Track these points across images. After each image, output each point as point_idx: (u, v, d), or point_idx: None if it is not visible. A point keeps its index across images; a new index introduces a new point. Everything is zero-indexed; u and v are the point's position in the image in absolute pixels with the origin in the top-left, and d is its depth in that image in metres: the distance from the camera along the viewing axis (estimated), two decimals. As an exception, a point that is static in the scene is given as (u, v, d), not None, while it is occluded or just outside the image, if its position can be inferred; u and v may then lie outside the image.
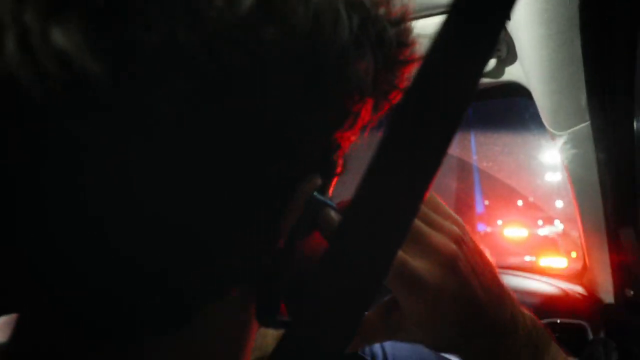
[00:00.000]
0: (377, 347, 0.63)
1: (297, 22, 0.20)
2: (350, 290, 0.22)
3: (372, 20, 0.24)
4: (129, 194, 0.19)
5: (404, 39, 0.27)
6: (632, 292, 0.99)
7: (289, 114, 0.21)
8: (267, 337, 0.49)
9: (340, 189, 0.32)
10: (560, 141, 0.91)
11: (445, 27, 0.22)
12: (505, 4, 0.22)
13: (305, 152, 0.24)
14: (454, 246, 0.33)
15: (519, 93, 1.01)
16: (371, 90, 0.26)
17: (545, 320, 1.08)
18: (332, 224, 0.28)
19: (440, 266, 0.32)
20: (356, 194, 0.22)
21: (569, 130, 0.87)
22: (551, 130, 0.91)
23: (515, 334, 0.35)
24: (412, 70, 0.28)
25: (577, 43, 0.69)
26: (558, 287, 1.16)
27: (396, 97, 0.29)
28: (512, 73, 0.94)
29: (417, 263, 0.32)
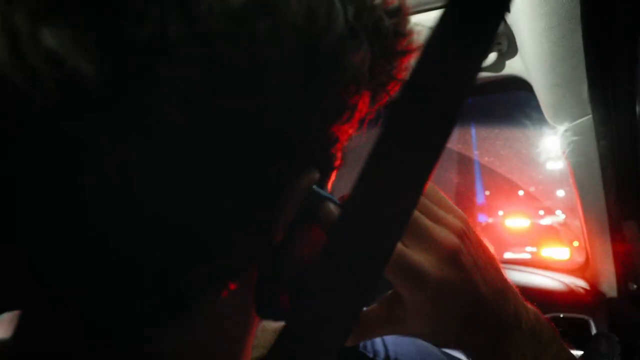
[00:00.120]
0: (379, 344, 0.63)
1: (290, 14, 0.20)
2: (348, 283, 0.22)
3: (367, 11, 0.24)
4: (127, 193, 0.19)
5: (401, 29, 0.27)
6: (635, 286, 0.99)
7: (285, 106, 0.21)
8: (268, 333, 0.50)
9: (342, 184, 0.32)
10: (561, 134, 0.91)
11: (443, 21, 0.21)
12: None
13: (303, 145, 0.24)
14: (456, 239, 0.33)
15: (520, 87, 1.00)
16: (368, 80, 0.25)
17: (548, 315, 1.08)
18: (332, 217, 0.27)
19: (442, 259, 0.32)
20: (355, 187, 0.22)
21: (571, 124, 0.86)
22: (553, 123, 0.91)
23: (519, 328, 0.35)
24: (410, 60, 0.28)
25: (578, 35, 0.68)
26: (561, 281, 1.16)
27: (394, 89, 0.28)
28: (512, 67, 0.94)
29: (419, 256, 0.32)
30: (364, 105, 0.27)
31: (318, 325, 0.22)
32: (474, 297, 0.33)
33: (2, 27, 0.16)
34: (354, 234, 0.22)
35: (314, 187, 0.27)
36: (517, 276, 1.21)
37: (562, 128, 0.89)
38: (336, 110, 0.25)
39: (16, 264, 0.21)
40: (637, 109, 0.79)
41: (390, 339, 0.64)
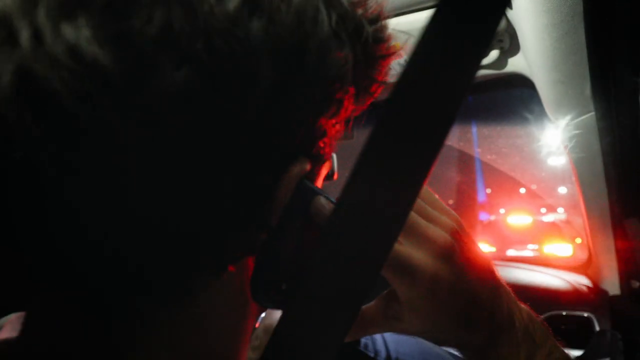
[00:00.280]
0: (380, 343, 0.63)
1: (280, 18, 0.23)
2: (349, 282, 0.22)
3: (349, 17, 0.27)
4: (129, 178, 0.20)
5: (380, 35, 0.29)
6: (638, 283, 0.99)
7: (278, 97, 0.23)
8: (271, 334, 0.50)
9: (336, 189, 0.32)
10: (564, 132, 0.91)
11: (440, 16, 0.22)
12: None
13: (294, 134, 0.25)
14: (449, 237, 0.34)
15: (522, 84, 0.99)
16: (351, 79, 0.27)
17: (551, 312, 1.08)
18: (324, 211, 0.28)
19: (435, 256, 0.33)
20: (355, 182, 0.22)
21: (573, 121, 0.86)
22: (555, 120, 0.90)
23: (512, 327, 0.36)
24: (389, 64, 0.31)
25: (581, 32, 0.68)
26: (563, 279, 1.16)
27: (377, 90, 0.31)
28: (515, 64, 0.93)
29: (414, 252, 0.32)
30: (349, 103, 0.28)
31: (317, 324, 0.22)
32: (468, 295, 0.34)
33: (28, 23, 0.18)
34: (354, 231, 0.22)
35: (306, 181, 0.28)
36: (520, 274, 1.21)
37: (564, 125, 0.89)
38: (323, 103, 0.26)
39: (16, 262, 0.22)
40: (640, 106, 0.79)
41: (391, 338, 0.64)
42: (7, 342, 0.28)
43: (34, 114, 0.19)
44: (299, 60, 0.24)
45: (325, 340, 0.22)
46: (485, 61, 0.93)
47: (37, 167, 0.19)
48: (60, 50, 0.18)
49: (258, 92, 0.22)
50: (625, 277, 1.02)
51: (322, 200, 0.28)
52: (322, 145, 0.29)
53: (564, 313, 1.07)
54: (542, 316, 1.08)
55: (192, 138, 0.21)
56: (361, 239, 0.22)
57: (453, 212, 0.37)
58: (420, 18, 0.84)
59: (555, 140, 0.97)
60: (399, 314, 0.35)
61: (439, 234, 0.33)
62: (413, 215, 0.34)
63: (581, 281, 1.16)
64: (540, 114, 0.96)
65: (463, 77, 0.22)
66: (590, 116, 0.83)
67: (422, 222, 0.34)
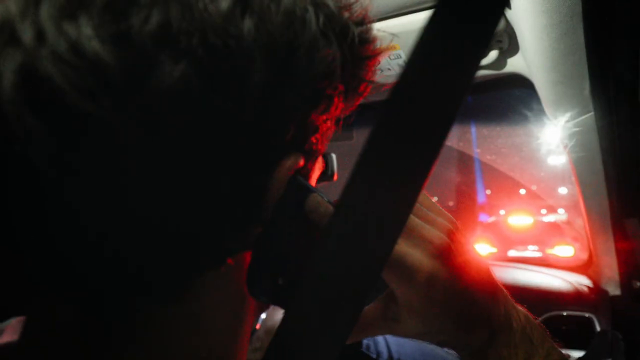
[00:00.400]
0: (382, 345, 0.63)
1: (270, 17, 0.24)
2: (350, 284, 0.22)
3: (336, 18, 0.28)
4: (128, 173, 0.21)
5: (366, 36, 0.30)
6: (639, 284, 0.98)
7: (268, 92, 0.24)
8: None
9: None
10: (563, 132, 0.91)
11: (438, 17, 0.22)
12: None
13: (286, 127, 0.26)
14: (445, 238, 0.34)
15: (521, 84, 0.99)
16: (340, 76, 0.28)
17: (551, 313, 1.08)
18: (319, 209, 0.29)
19: (432, 257, 0.33)
20: (355, 183, 0.22)
21: (573, 121, 0.86)
22: (554, 120, 0.90)
23: (510, 328, 0.36)
24: (376, 64, 0.32)
25: (580, 32, 0.68)
26: (564, 279, 1.16)
27: (365, 90, 0.33)
28: (514, 64, 0.93)
29: (411, 252, 0.33)
30: (338, 100, 0.29)
31: (319, 326, 0.22)
32: (465, 295, 0.34)
33: (30, 23, 0.19)
34: (355, 232, 0.22)
35: (299, 177, 0.28)
36: (520, 274, 1.21)
37: (563, 125, 0.89)
38: (313, 99, 0.27)
39: (16, 264, 0.22)
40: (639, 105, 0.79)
41: (393, 339, 0.64)
42: (8, 345, 0.28)
43: (36, 112, 0.19)
44: (289, 57, 0.25)
45: (327, 341, 0.22)
46: (485, 61, 0.93)
47: (37, 167, 0.19)
48: (62, 47, 0.19)
49: (251, 88, 0.23)
50: (625, 277, 1.02)
51: (317, 197, 0.29)
52: (313, 141, 0.29)
53: (565, 313, 1.07)
54: (543, 316, 1.08)
55: (191, 137, 0.21)
56: (362, 239, 0.22)
57: (449, 214, 0.37)
58: (417, 19, 0.84)
59: (555, 140, 0.97)
60: (398, 316, 0.36)
61: (436, 235, 0.34)
62: (410, 216, 0.34)
63: (582, 281, 1.16)
64: (540, 114, 0.96)
65: (463, 78, 0.23)
66: (589, 116, 0.83)
67: (419, 222, 0.34)
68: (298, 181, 0.28)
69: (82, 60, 0.19)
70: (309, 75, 0.26)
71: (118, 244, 0.22)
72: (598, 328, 1.03)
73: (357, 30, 0.29)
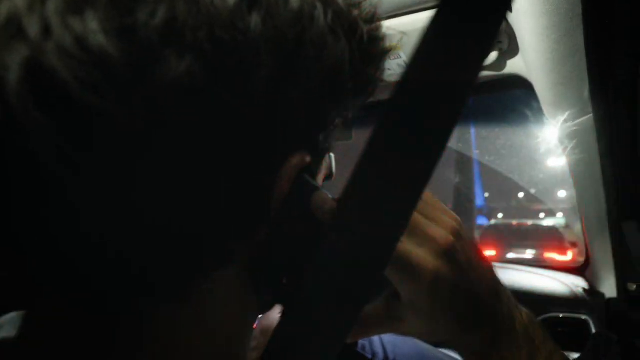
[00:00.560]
0: (378, 345, 0.63)
1: (278, 13, 0.23)
2: (351, 282, 0.22)
3: (345, 15, 0.27)
4: (137, 174, 0.21)
5: (375, 34, 0.30)
6: (634, 286, 0.99)
7: (276, 87, 0.24)
8: (270, 335, 0.50)
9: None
10: (562, 134, 0.91)
11: (441, 18, 0.22)
12: None
13: (293, 124, 0.26)
14: (451, 237, 0.33)
15: (520, 86, 1.00)
16: (348, 72, 0.28)
17: (547, 315, 1.08)
18: (324, 207, 0.28)
19: (437, 255, 0.33)
20: (359, 180, 0.22)
21: (572, 123, 0.86)
22: (553, 123, 0.90)
23: (513, 328, 0.36)
24: (385, 63, 0.32)
25: (579, 33, 0.68)
26: (560, 281, 1.16)
27: (374, 89, 0.32)
28: (513, 66, 0.93)
29: (415, 250, 0.32)
30: (346, 98, 0.29)
31: (318, 325, 0.22)
32: (470, 294, 0.34)
33: (37, 18, 0.19)
34: (358, 230, 0.22)
35: (305, 175, 0.28)
36: (516, 276, 1.21)
37: (563, 127, 0.89)
38: (321, 95, 0.27)
39: (20, 265, 0.22)
40: (639, 108, 0.79)
41: (389, 339, 0.64)
42: (6, 341, 0.28)
43: (41, 106, 0.19)
44: (296, 52, 0.24)
45: (326, 341, 0.22)
46: (485, 62, 0.93)
47: (41, 162, 0.19)
48: (68, 41, 0.19)
49: (258, 83, 0.23)
50: (621, 279, 1.02)
51: (323, 195, 0.28)
52: (321, 138, 0.29)
53: (561, 315, 1.07)
54: (539, 318, 1.08)
55: (195, 132, 0.21)
56: (365, 237, 0.22)
57: (453, 213, 0.37)
58: (418, 20, 0.84)
59: (554, 142, 0.97)
60: (401, 315, 0.35)
61: (440, 233, 0.33)
62: (414, 214, 0.34)
63: (578, 283, 1.17)
64: (539, 115, 0.96)
65: (466, 76, 0.23)
66: (588, 118, 0.83)
67: (424, 220, 0.34)
68: (304, 179, 0.28)
69: (87, 54, 0.19)
70: (317, 71, 0.26)
71: (121, 243, 0.21)
72: (594, 330, 1.03)
73: (366, 28, 0.29)
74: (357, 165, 0.22)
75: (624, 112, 0.79)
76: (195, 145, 0.21)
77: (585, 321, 1.05)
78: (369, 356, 0.62)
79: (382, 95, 0.28)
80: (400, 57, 0.91)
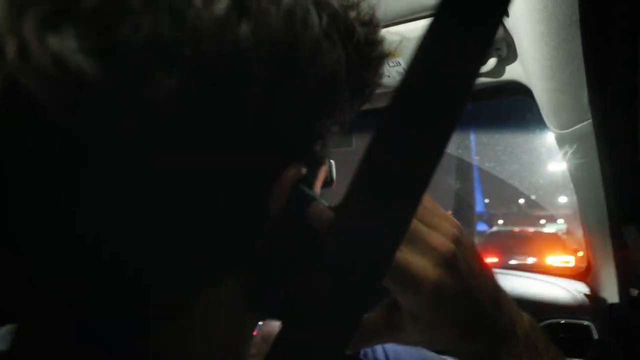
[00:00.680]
0: (380, 352, 0.62)
1: (269, 21, 0.22)
2: (349, 293, 0.22)
3: (340, 18, 0.26)
4: (124, 192, 0.20)
5: (372, 37, 0.29)
6: (637, 291, 0.98)
7: (270, 98, 0.23)
8: (269, 343, 0.49)
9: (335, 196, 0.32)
10: (562, 140, 0.91)
11: (438, 23, 0.22)
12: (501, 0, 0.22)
13: (287, 137, 0.25)
14: (451, 245, 0.33)
15: (519, 92, 1.00)
16: (344, 80, 0.27)
17: (549, 321, 1.07)
18: (321, 217, 0.28)
19: (438, 264, 0.32)
20: (354, 188, 0.22)
21: (571, 129, 0.86)
22: (553, 128, 0.91)
23: (514, 335, 0.35)
24: (383, 66, 0.31)
25: (578, 40, 0.68)
26: (562, 287, 1.16)
27: (371, 94, 0.31)
28: (512, 72, 0.94)
29: (415, 260, 0.32)
30: (343, 104, 0.29)
31: (318, 335, 0.22)
32: (471, 302, 0.33)
33: (14, 35, 0.18)
34: (355, 239, 0.22)
35: (301, 186, 0.27)
36: (518, 282, 1.20)
37: (562, 133, 0.89)
38: (316, 105, 0.26)
39: (15, 266, 0.22)
40: (638, 113, 0.80)
41: (390, 346, 0.64)
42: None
43: (21, 127, 0.19)
44: (290, 61, 0.24)
45: (326, 352, 0.22)
46: (483, 69, 0.93)
47: (29, 176, 0.19)
48: (45, 60, 0.18)
49: (251, 95, 0.22)
50: (623, 284, 1.02)
51: (319, 205, 0.28)
52: (317, 148, 0.29)
53: (563, 321, 1.07)
54: (541, 324, 1.08)
55: (186, 150, 0.21)
56: (362, 246, 0.22)
57: (453, 218, 0.36)
58: (416, 27, 0.84)
59: (553, 147, 0.97)
60: (401, 324, 0.35)
61: (441, 241, 0.33)
62: (414, 222, 0.34)
63: (580, 289, 1.16)
64: (539, 121, 0.96)
65: (464, 80, 0.22)
66: (587, 124, 0.84)
67: (423, 228, 0.33)
68: (300, 190, 0.27)
69: (65, 75, 0.18)
70: (312, 79, 0.25)
71: (115, 256, 0.21)
72: (596, 336, 1.02)
73: (363, 31, 0.28)
74: (354, 174, 0.22)
75: (623, 117, 0.80)
76: (185, 162, 0.21)
77: (587, 327, 1.04)
78: (372, 363, 0.62)
79: (384, 102, 0.28)
80: (400, 65, 0.91)
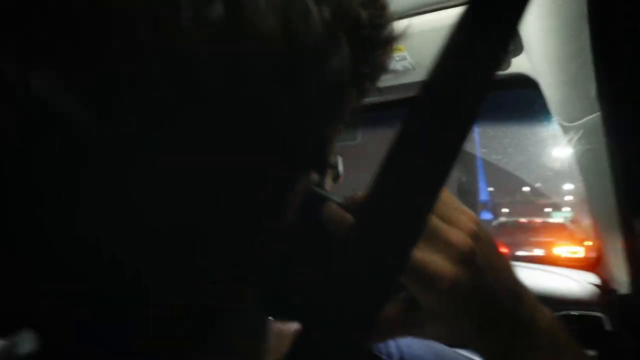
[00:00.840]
0: (393, 347, 0.63)
1: (267, 29, 0.21)
2: (367, 290, 0.22)
3: (343, 7, 0.25)
4: (124, 188, 0.20)
5: (378, 20, 0.27)
6: (647, 283, 0.98)
7: (273, 111, 0.22)
8: (284, 338, 0.50)
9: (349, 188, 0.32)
10: (569, 132, 0.90)
11: (462, 22, 0.21)
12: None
13: (297, 147, 0.25)
14: (469, 240, 0.32)
15: (526, 85, 0.99)
16: (352, 77, 0.26)
17: (561, 313, 1.07)
18: (335, 217, 0.28)
19: (456, 261, 0.31)
20: (372, 189, 0.22)
21: (579, 122, 0.86)
22: (560, 121, 0.90)
23: (535, 330, 0.35)
24: (390, 49, 0.29)
25: (586, 34, 0.68)
26: (572, 278, 1.15)
27: (378, 79, 0.30)
28: (518, 65, 0.93)
29: (433, 258, 0.31)
30: (351, 101, 0.28)
31: (335, 332, 0.22)
32: (490, 299, 0.33)
33: None
34: (372, 239, 0.22)
35: (314, 187, 0.27)
36: (528, 274, 1.20)
37: (570, 125, 0.89)
38: (324, 111, 0.26)
39: (16, 266, 0.22)
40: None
41: (404, 340, 0.64)
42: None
43: (21, 127, 0.19)
44: (292, 71, 0.23)
45: (344, 350, 0.22)
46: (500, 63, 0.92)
47: (29, 176, 0.20)
48: (28, 102, 0.18)
49: (253, 110, 0.22)
50: (634, 276, 1.02)
51: (332, 206, 0.28)
52: (326, 152, 0.28)
53: (574, 313, 1.06)
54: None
55: (187, 163, 0.21)
56: (380, 244, 0.22)
57: (470, 211, 0.35)
58: (422, 21, 0.84)
59: (561, 140, 0.97)
60: (418, 320, 0.34)
61: (459, 237, 0.32)
62: (432, 217, 0.33)
63: (591, 280, 1.16)
64: (546, 113, 0.95)
65: (487, 75, 0.22)
66: (595, 116, 0.83)
67: (441, 224, 0.33)
68: (314, 193, 0.27)
69: (50, 115, 0.19)
70: (317, 87, 0.24)
71: (115, 257, 0.21)
72: (608, 328, 1.02)
73: (367, 14, 0.26)
74: (378, 170, 0.22)
75: (632, 110, 0.79)
76: (185, 162, 0.21)
77: (599, 319, 1.04)
78: (385, 357, 0.62)
79: (390, 96, 0.28)
80: (406, 59, 0.91)
